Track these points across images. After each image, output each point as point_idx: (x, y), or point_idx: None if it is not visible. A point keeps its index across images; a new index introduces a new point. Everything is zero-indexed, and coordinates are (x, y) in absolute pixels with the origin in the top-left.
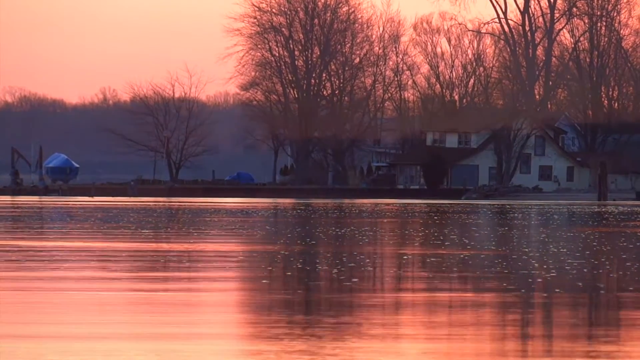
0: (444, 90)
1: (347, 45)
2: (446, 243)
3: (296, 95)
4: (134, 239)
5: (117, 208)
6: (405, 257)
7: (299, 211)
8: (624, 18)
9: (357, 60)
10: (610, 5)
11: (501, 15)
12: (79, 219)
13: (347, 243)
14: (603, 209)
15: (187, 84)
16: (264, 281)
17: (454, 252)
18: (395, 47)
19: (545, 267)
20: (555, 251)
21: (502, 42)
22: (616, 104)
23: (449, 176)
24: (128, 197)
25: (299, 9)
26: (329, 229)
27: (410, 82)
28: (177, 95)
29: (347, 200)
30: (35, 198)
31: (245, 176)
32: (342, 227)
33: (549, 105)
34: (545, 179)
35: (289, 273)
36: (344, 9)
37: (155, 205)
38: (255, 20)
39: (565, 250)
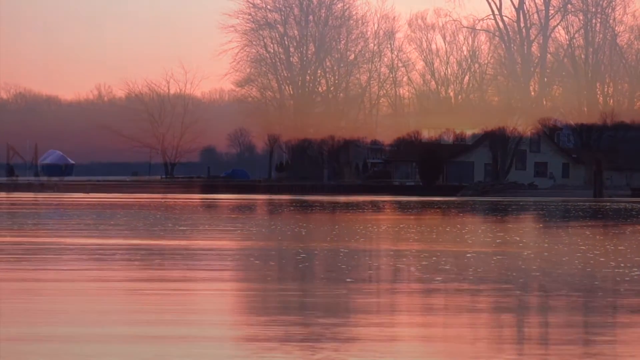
0: (439, 87)
1: (342, 42)
2: (497, 241)
3: (291, 92)
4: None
5: (127, 205)
6: (468, 255)
7: (317, 208)
8: (619, 15)
9: (352, 56)
10: (605, 1)
11: (496, 12)
12: (100, 216)
13: (400, 241)
14: (619, 206)
15: (182, 81)
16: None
17: (514, 250)
18: (390, 44)
19: (621, 265)
20: (612, 248)
21: (497, 38)
22: (611, 101)
23: (444, 173)
24: (127, 194)
25: (293, 5)
26: (365, 226)
27: (405, 79)
28: (172, 91)
29: (352, 198)
30: (31, 194)
31: (240, 173)
32: (375, 225)
33: (544, 102)
34: (541, 175)
35: (386, 272)
36: (338, 6)
37: (159, 202)
38: (250, 16)
39: (622, 247)
